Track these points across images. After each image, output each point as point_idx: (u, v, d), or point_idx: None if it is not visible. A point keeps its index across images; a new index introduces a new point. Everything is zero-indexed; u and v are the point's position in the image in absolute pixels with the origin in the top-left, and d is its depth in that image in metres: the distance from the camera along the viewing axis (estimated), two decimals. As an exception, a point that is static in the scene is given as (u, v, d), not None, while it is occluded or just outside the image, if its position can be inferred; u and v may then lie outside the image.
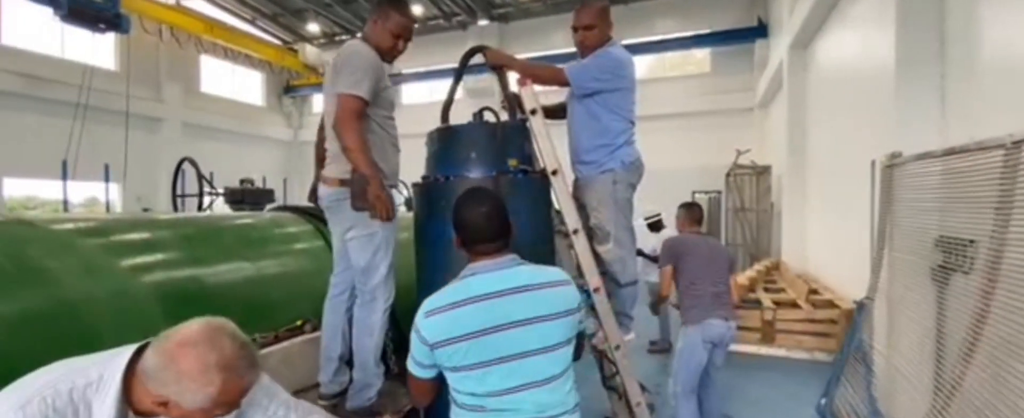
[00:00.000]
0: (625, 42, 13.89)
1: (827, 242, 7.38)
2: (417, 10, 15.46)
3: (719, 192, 12.39)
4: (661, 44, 14.17)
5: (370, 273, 2.26)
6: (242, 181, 5.79)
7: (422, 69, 14.47)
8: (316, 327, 2.66)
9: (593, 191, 2.62)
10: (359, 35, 2.41)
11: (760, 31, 12.68)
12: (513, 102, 2.57)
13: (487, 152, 2.38)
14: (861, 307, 4.16)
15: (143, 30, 11.68)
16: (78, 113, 9.91)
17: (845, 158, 6.20)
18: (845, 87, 6.40)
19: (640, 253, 6.23)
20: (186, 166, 5.89)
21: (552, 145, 2.47)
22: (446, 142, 2.48)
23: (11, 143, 10.79)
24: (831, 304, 5.91)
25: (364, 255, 2.25)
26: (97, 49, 11.52)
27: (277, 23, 16.07)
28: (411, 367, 1.51)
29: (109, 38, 11.25)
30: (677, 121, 14.12)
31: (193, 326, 1.14)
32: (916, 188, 3.62)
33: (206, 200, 5.65)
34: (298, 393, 2.47)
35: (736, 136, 12.52)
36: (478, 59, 2.73)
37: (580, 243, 2.48)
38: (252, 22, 15.84)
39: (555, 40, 15.11)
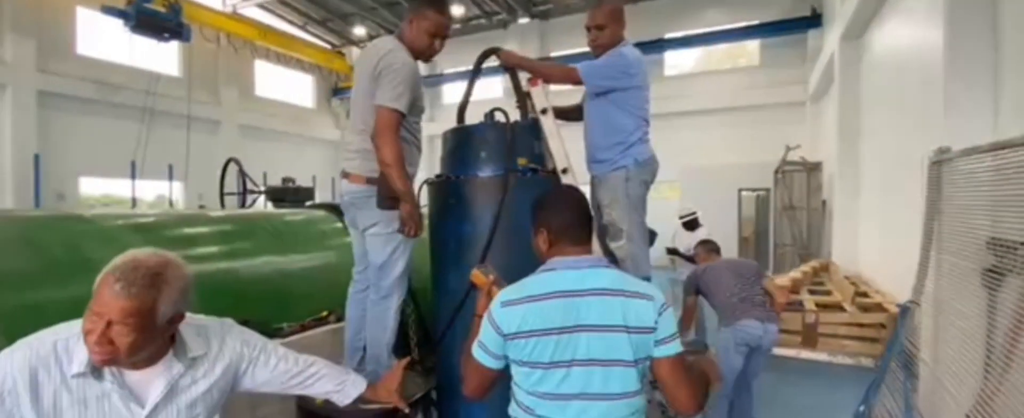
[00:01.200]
0: (671, 35, 13.63)
1: (879, 242, 7.01)
2: (457, 10, 15.67)
3: (768, 190, 11.94)
4: (709, 36, 13.82)
5: (387, 270, 2.33)
6: (284, 180, 6.11)
7: (463, 69, 14.70)
8: (340, 317, 2.79)
9: (606, 188, 2.64)
10: (395, 34, 2.42)
11: (813, 21, 12.13)
12: (525, 102, 2.61)
13: (497, 151, 2.44)
14: (904, 311, 3.95)
15: (202, 38, 12.43)
16: (145, 117, 10.71)
17: (898, 154, 5.87)
18: (898, 79, 6.06)
19: (676, 252, 6.15)
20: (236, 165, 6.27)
21: (562, 144, 2.50)
22: (458, 142, 2.56)
23: (87, 145, 11.73)
24: (880, 307, 5.62)
25: (383, 252, 2.32)
26: (162, 57, 12.39)
27: (326, 28, 16.70)
28: (478, 355, 1.45)
29: (172, 46, 12.05)
30: (725, 116, 13.75)
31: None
32: (965, 185, 3.42)
33: (251, 198, 5.99)
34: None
35: (787, 131, 12.03)
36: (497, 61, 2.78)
37: (590, 241, 2.50)
38: (303, 27, 16.54)
39: (596, 36, 15.00)
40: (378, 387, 1.77)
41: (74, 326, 1.29)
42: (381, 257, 2.31)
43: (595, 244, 2.52)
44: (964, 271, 3.33)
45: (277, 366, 1.53)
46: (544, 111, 2.51)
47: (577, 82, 2.58)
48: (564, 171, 2.51)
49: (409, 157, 2.35)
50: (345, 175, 2.36)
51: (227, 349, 1.46)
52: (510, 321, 1.40)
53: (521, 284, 1.47)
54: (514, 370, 1.45)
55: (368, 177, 2.28)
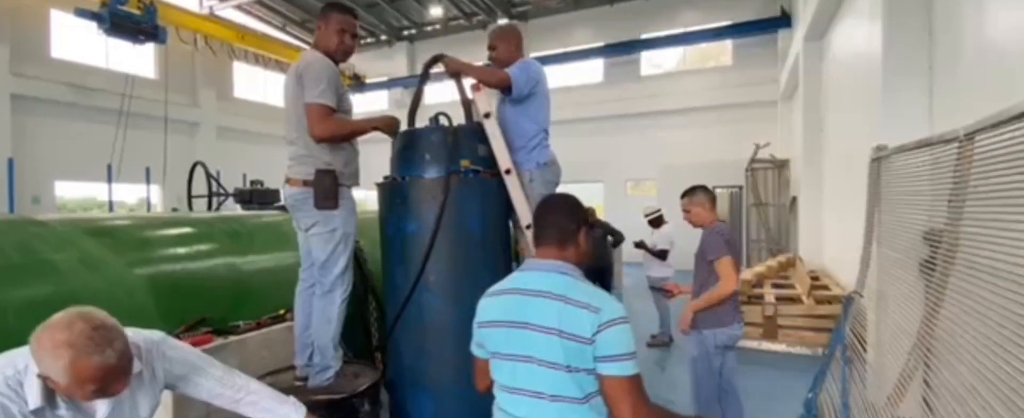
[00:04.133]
0: (646, 35, 13.84)
1: (841, 237, 7.24)
2: (437, 11, 15.77)
3: (740, 187, 12.21)
4: (683, 37, 14.04)
5: (329, 267, 2.46)
6: (252, 182, 6.16)
7: (440, 70, 14.74)
8: (297, 316, 2.89)
9: None
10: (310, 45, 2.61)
11: (783, 21, 12.40)
12: (469, 107, 2.74)
13: (441, 154, 2.56)
14: (848, 302, 4.14)
15: (179, 40, 12.35)
16: (121, 119, 10.65)
17: (855, 151, 6.09)
18: (854, 79, 6.29)
19: (642, 246, 6.32)
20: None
21: (505, 146, 2.63)
22: (404, 145, 2.67)
23: (62, 148, 11.63)
24: (836, 299, 5.83)
25: (324, 250, 2.44)
26: (138, 59, 12.31)
27: (305, 29, 16.67)
28: (471, 347, 1.62)
29: (148, 48, 11.97)
30: (700, 115, 13.97)
31: (62, 313, 1.31)
32: (901, 181, 3.61)
33: (219, 200, 6.04)
34: (277, 373, 2.72)
35: (759, 129, 12.31)
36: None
37: (532, 238, 2.63)
38: (282, 29, 16.50)
39: (576, 36, 15.17)
40: None
41: (13, 363, 1.34)
42: (323, 254, 2.44)
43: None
44: (902, 263, 3.52)
45: (202, 385, 1.59)
46: (487, 115, 2.63)
47: (510, 86, 2.70)
48: (507, 172, 2.64)
49: (345, 156, 2.50)
50: (287, 180, 2.49)
51: (159, 372, 1.52)
52: (480, 311, 1.57)
53: (502, 281, 1.61)
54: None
55: (304, 180, 2.41)
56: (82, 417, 1.39)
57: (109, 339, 1.28)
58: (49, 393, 1.32)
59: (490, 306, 1.53)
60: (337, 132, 2.39)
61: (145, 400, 1.50)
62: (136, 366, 1.44)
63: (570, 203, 1.60)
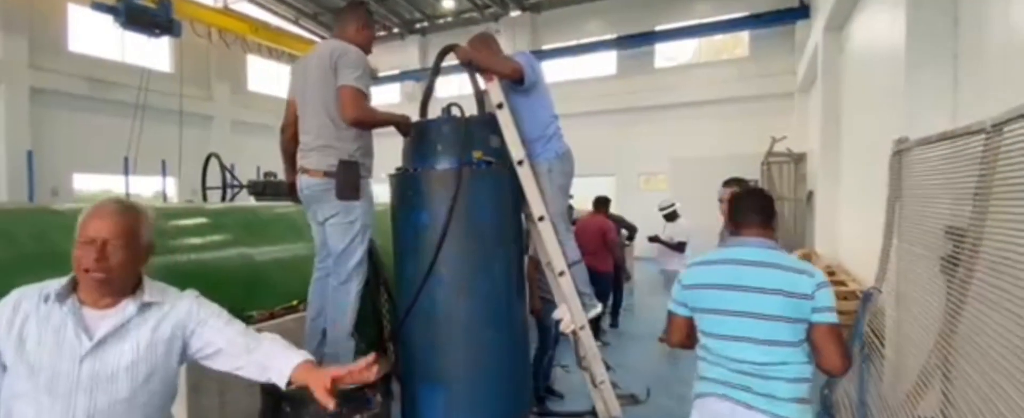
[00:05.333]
0: (661, 27, 13.61)
1: (859, 232, 7.12)
2: (450, 4, 15.71)
3: (757, 181, 12.04)
4: (699, 28, 13.84)
5: (346, 258, 2.45)
6: (266, 174, 6.21)
7: (455, 62, 14.70)
8: (309, 306, 2.90)
9: None
10: (333, 36, 2.63)
11: (802, 12, 12.17)
12: (482, 97, 2.71)
13: (453, 145, 2.54)
14: (867, 297, 4.06)
15: (194, 33, 12.45)
16: (137, 113, 10.78)
17: (875, 144, 5.96)
18: (874, 71, 6.14)
19: (656, 240, 6.28)
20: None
21: (517, 137, 2.59)
22: (417, 136, 2.65)
23: (80, 141, 11.82)
24: (854, 295, 5.72)
25: (342, 241, 2.44)
26: (153, 53, 12.42)
27: (317, 22, 16.71)
28: (671, 306, 1.99)
29: (164, 42, 12.06)
30: (715, 108, 13.77)
31: None
32: (922, 175, 3.51)
33: (233, 192, 6.10)
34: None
35: (776, 122, 12.10)
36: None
37: (545, 229, 2.60)
38: (295, 22, 16.54)
39: (588, 28, 15.02)
40: (314, 373, 1.52)
41: (62, 279, 1.44)
42: (340, 245, 2.43)
43: (547, 232, 2.64)
44: (923, 259, 3.43)
45: (224, 330, 1.53)
46: (500, 105, 2.60)
47: (521, 76, 2.66)
48: (519, 163, 2.61)
49: (367, 147, 2.49)
50: (304, 171, 2.47)
51: (180, 307, 1.51)
52: (690, 276, 1.93)
53: (707, 253, 1.98)
54: (695, 317, 1.93)
55: (326, 170, 2.40)
56: (80, 323, 1.39)
57: (120, 206, 1.44)
58: (69, 288, 1.41)
59: (701, 272, 1.89)
60: (368, 117, 2.45)
61: (144, 334, 1.44)
62: (153, 297, 1.47)
63: (761, 195, 2.04)
